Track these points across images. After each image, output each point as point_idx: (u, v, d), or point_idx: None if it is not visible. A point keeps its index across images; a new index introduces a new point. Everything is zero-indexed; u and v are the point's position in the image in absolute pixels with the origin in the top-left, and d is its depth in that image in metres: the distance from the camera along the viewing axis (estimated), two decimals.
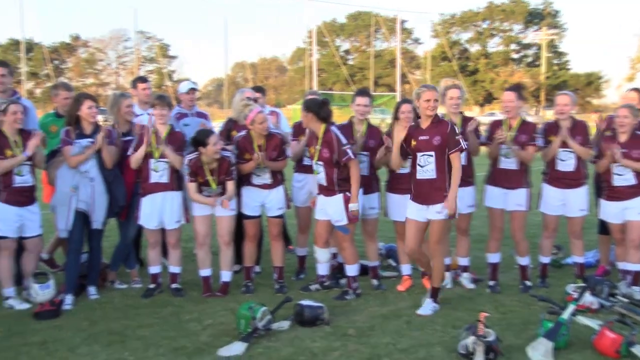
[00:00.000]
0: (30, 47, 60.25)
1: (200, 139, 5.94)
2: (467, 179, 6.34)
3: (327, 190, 6.00)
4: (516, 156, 6.15)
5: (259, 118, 6.12)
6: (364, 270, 6.61)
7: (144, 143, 5.98)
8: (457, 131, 5.50)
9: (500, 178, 6.30)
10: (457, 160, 5.48)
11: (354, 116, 6.45)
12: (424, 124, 5.57)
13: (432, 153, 5.46)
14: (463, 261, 6.60)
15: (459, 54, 68.88)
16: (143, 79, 7.53)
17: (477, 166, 6.54)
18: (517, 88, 6.45)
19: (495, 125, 6.36)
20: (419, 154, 5.52)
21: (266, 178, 6.25)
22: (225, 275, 6.29)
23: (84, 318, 5.51)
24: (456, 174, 5.48)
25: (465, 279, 6.53)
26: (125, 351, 4.75)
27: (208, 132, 6.05)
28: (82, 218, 5.99)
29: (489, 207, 6.40)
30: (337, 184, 5.94)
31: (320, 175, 6.00)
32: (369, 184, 6.31)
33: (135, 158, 6.03)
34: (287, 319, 5.28)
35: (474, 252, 6.89)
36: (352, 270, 6.16)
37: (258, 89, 7.32)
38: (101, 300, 6.04)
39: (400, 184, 6.20)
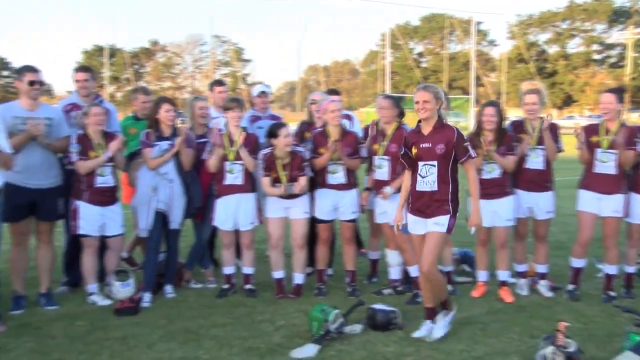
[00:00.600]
0: (113, 52, 62.68)
1: (272, 131, 6.04)
2: (545, 184, 6.18)
3: (387, 185, 5.98)
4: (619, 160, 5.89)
5: (330, 106, 6.16)
6: None
7: (219, 146, 6.09)
8: (464, 138, 5.02)
9: (595, 183, 6.04)
10: (472, 169, 5.06)
11: None
12: (425, 129, 5.04)
13: (435, 162, 4.95)
14: (541, 268, 6.40)
15: (536, 56, 67.08)
16: (220, 82, 7.68)
17: (571, 170, 6.30)
18: (618, 90, 6.23)
19: (591, 129, 6.11)
20: (420, 163, 5.00)
21: (341, 177, 6.23)
22: (298, 278, 6.32)
23: (161, 316, 5.65)
24: (473, 184, 5.06)
25: (543, 286, 6.32)
26: (200, 349, 4.84)
27: (280, 125, 6.15)
28: (161, 218, 6.16)
29: (581, 211, 6.14)
30: (394, 179, 5.94)
31: (383, 170, 6.01)
32: None
33: (211, 162, 6.15)
34: (359, 323, 5.26)
35: (552, 259, 6.66)
36: (415, 271, 6.10)
37: (333, 92, 7.34)
38: (177, 299, 6.18)
39: (482, 189, 6.07)
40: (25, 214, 5.82)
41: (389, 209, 5.92)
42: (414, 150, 5.02)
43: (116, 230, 6.11)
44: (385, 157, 6.02)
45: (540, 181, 6.21)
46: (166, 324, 5.43)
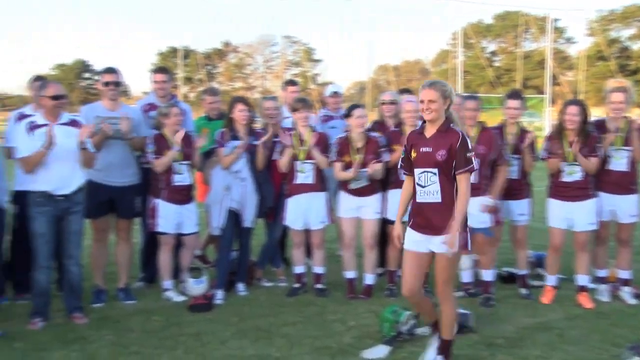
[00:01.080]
0: (187, 54, 64.28)
1: (348, 110, 6.12)
2: (630, 187, 5.94)
3: (473, 189, 5.82)
4: None
5: (407, 106, 6.12)
6: (512, 279, 6.35)
7: (289, 147, 6.14)
8: (469, 145, 4.29)
9: None
10: (465, 182, 4.27)
11: (505, 119, 6.23)
12: (429, 131, 4.39)
13: (435, 170, 4.29)
14: (624, 274, 6.13)
15: (618, 53, 64.43)
16: (293, 82, 7.74)
17: None
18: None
19: None
20: (417, 170, 4.36)
21: None
22: (369, 278, 6.29)
23: (234, 313, 5.73)
24: (462, 201, 4.24)
25: (626, 293, 6.05)
26: (271, 347, 4.88)
27: (356, 105, 6.20)
28: (234, 217, 6.25)
29: None
30: (485, 184, 5.77)
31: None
32: (519, 189, 6.06)
33: (282, 162, 6.20)
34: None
35: (636, 264, 6.38)
36: (489, 275, 5.96)
37: (406, 91, 7.27)
38: (249, 297, 6.26)
39: (563, 191, 5.91)
40: (105, 211, 6.05)
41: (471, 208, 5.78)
42: (413, 154, 4.40)
43: (191, 229, 6.24)
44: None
45: (625, 183, 5.95)
46: (238, 322, 5.50)
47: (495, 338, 5.02)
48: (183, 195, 6.14)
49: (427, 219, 4.32)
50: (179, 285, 6.29)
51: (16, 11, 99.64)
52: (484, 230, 5.80)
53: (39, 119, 5.36)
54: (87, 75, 71.00)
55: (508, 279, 6.57)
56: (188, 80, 67.30)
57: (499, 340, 4.98)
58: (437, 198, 4.29)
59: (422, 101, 4.32)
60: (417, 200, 4.38)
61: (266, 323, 5.44)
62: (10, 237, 5.96)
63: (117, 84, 6.06)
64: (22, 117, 5.62)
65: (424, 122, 4.43)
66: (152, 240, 6.40)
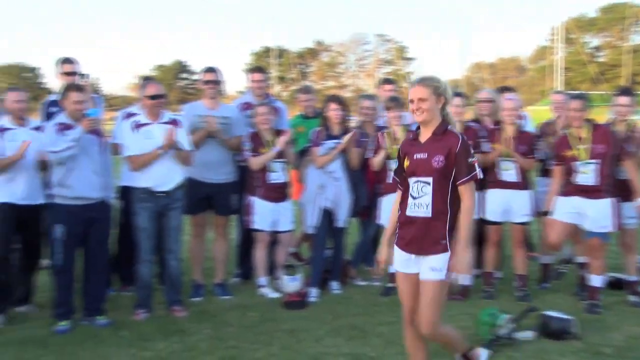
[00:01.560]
0: (281, 53, 65.45)
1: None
2: None
3: (592, 192, 5.56)
4: None
5: (507, 104, 5.99)
6: (619, 285, 6.02)
7: (382, 145, 6.10)
8: (471, 150, 3.78)
9: None
10: (468, 194, 3.75)
11: (614, 117, 5.93)
12: (423, 135, 3.87)
13: (429, 180, 3.77)
14: None
15: None
16: (389, 81, 7.68)
17: None
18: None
19: None
20: (411, 180, 3.83)
21: (513, 175, 5.98)
22: (465, 279, 6.13)
23: (328, 311, 5.73)
24: (466, 216, 3.75)
25: None
26: (366, 346, 4.85)
27: (457, 93, 6.17)
28: (327, 216, 6.27)
29: None
30: (606, 184, 5.52)
31: (589, 175, 5.58)
32: (628, 190, 5.72)
33: (376, 161, 6.17)
34: (530, 329, 4.98)
35: None
36: (598, 281, 5.68)
37: (507, 89, 7.05)
38: (343, 296, 6.25)
39: None
40: (203, 208, 6.22)
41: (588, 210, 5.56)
42: (406, 163, 3.88)
43: (287, 226, 6.32)
44: (593, 160, 5.57)
45: None
46: (332, 320, 5.50)
47: (602, 347, 4.76)
48: (278, 193, 6.22)
49: (414, 234, 3.79)
50: (273, 282, 6.37)
51: (117, 17, 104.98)
52: (601, 235, 5.54)
53: (143, 118, 5.59)
54: (184, 75, 73.65)
55: (615, 285, 6.22)
56: (281, 79, 68.43)
57: (606, 349, 4.72)
58: (427, 212, 3.74)
59: (411, 100, 3.80)
60: (407, 213, 3.84)
61: (360, 322, 5.42)
62: (117, 232, 6.24)
63: (217, 82, 6.23)
64: (128, 115, 5.87)
65: (418, 127, 3.92)
66: (247, 237, 6.53)
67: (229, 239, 6.58)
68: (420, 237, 3.77)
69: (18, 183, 5.42)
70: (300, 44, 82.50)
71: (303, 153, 6.62)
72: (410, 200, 3.82)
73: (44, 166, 5.48)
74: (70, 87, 5.46)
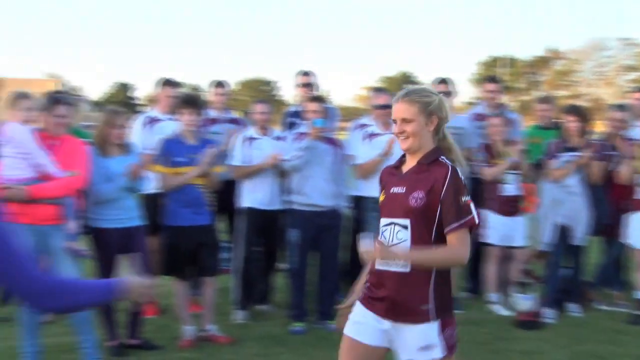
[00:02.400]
0: (510, 62, 63.69)
1: None
2: None
3: None
4: None
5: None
6: None
7: (628, 157, 5.67)
8: (463, 186, 2.80)
9: None
10: (460, 246, 2.76)
11: None
12: (408, 163, 2.95)
13: (406, 222, 2.82)
14: None
15: None
16: None
17: None
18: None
19: None
20: (383, 221, 2.95)
21: None
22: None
23: (565, 335, 5.39)
24: (447, 257, 2.81)
25: None
26: None
27: None
28: (563, 232, 5.89)
29: None
30: None
31: None
32: None
33: (623, 174, 5.77)
34: None
35: None
36: None
37: None
38: (584, 319, 5.83)
39: None
40: None
41: None
42: (381, 197, 3.02)
43: (520, 241, 6.09)
44: None
45: None
46: (570, 344, 5.16)
47: None
48: (511, 207, 6.03)
49: (389, 296, 2.84)
50: (504, 299, 6.12)
51: (343, 31, 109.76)
52: None
53: (374, 128, 5.73)
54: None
55: None
56: (508, 88, 66.29)
57: None
58: (404, 266, 2.80)
59: (394, 121, 2.90)
60: (376, 266, 2.90)
61: (604, 350, 5.01)
62: (349, 239, 6.44)
63: (447, 93, 6.18)
64: (360, 126, 6.05)
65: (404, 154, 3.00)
66: (478, 251, 6.35)
67: None
68: (396, 297, 2.82)
69: (261, 189, 5.84)
70: (530, 52, 79.25)
71: (538, 166, 6.30)
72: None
73: (282, 173, 5.85)
74: (312, 99, 5.74)
